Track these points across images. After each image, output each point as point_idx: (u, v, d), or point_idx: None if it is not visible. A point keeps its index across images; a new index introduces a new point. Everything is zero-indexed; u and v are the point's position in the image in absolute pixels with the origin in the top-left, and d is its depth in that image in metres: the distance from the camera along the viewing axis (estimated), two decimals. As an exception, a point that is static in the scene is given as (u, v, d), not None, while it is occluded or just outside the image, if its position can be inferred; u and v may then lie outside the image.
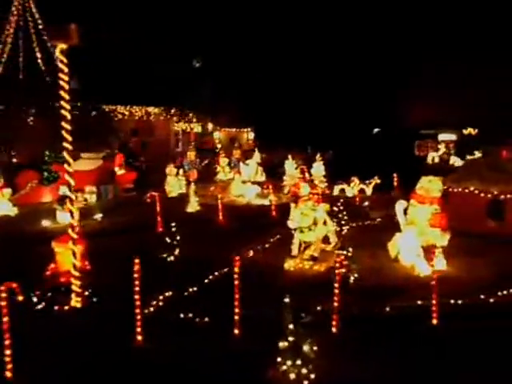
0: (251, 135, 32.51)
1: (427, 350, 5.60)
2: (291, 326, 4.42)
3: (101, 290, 7.20)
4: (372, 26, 32.09)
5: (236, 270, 5.72)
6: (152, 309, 6.52)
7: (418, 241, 8.47)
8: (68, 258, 7.18)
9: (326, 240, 9.22)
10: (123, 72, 23.79)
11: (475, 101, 29.76)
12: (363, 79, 31.82)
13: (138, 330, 5.60)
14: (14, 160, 15.84)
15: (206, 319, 6.15)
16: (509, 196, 10.64)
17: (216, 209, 12.98)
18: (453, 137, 30.82)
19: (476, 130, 31.98)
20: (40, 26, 23.87)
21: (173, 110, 27.18)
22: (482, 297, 6.69)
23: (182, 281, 7.58)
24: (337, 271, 5.78)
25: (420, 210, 8.85)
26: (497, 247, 9.56)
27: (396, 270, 8.42)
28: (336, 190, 17.23)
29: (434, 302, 5.87)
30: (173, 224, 9.49)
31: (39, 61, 23.70)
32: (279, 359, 4.48)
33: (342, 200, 11.82)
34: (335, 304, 5.62)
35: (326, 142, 25.59)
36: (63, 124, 6.50)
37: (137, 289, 5.67)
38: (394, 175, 16.51)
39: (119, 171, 17.28)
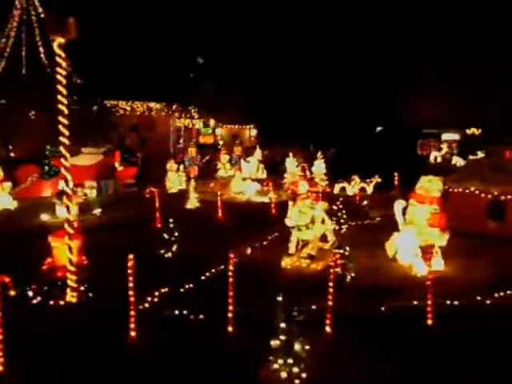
0: (253, 132, 32.45)
1: (422, 350, 5.57)
2: (283, 325, 4.39)
3: (97, 285, 7.19)
4: (375, 23, 31.94)
5: (230, 267, 5.70)
6: (147, 305, 6.52)
7: (416, 241, 8.44)
8: (65, 252, 7.18)
9: (324, 238, 9.20)
10: (125, 67, 23.78)
11: (478, 101, 29.64)
12: (367, 77, 31.68)
13: (132, 325, 5.59)
14: (12, 154, 15.84)
15: (201, 316, 6.14)
16: (509, 197, 10.58)
17: (215, 205, 12.97)
18: (456, 136, 30.64)
19: (479, 130, 31.82)
20: (43, 21, 23.84)
21: (174, 106, 27.15)
22: (479, 298, 6.65)
23: (178, 277, 7.57)
24: (331, 270, 5.74)
25: (419, 209, 8.80)
26: (496, 248, 9.51)
27: (393, 269, 8.39)
28: (336, 189, 17.17)
29: (429, 302, 5.83)
30: (171, 220, 9.47)
31: (42, 55, 23.68)
32: (271, 358, 4.45)
33: (341, 199, 11.80)
34: (329, 303, 5.58)
35: (328, 140, 25.49)
36: (60, 118, 6.49)
37: (131, 285, 5.67)
38: (395, 174, 16.43)
39: (120, 166, 17.28)
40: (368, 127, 32.33)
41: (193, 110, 28.69)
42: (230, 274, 5.75)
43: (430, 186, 8.89)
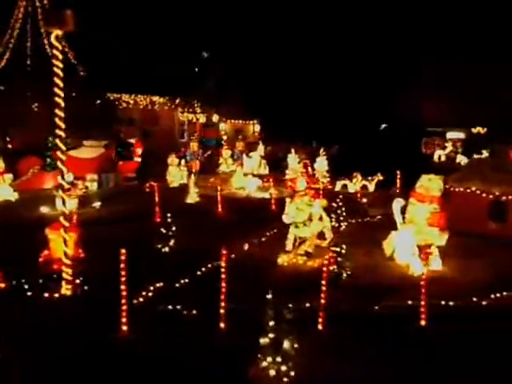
0: (257, 127, 32.36)
1: (415, 351, 5.53)
2: (272, 323, 4.36)
3: (93, 278, 7.20)
4: (377, 19, 31.70)
5: (222, 263, 5.67)
6: (141, 299, 6.52)
7: (414, 240, 8.37)
8: (61, 245, 7.19)
9: (321, 236, 9.15)
10: (129, 61, 23.72)
11: (478, 101, 29.41)
12: (370, 75, 31.48)
13: (124, 320, 5.59)
14: (9, 146, 15.88)
15: (194, 312, 6.13)
16: (511, 197, 10.47)
17: (215, 200, 12.95)
18: (461, 135, 30.37)
19: (485, 129, 31.54)
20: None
21: (177, 100, 27.10)
22: (475, 299, 6.59)
23: (174, 272, 7.57)
24: (324, 268, 5.71)
25: (419, 208, 8.72)
26: (496, 249, 9.42)
27: (391, 268, 8.33)
28: (338, 186, 17.09)
29: (422, 302, 5.78)
30: (169, 215, 9.46)
31: (46, 47, 23.69)
32: (260, 356, 4.43)
33: (341, 196, 11.72)
34: (322, 301, 5.55)
35: (331, 136, 25.36)
36: (57, 111, 6.46)
37: (123, 279, 5.66)
38: (397, 172, 16.32)
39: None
40: (371, 124, 32.13)
41: (196, 105, 28.62)
42: (223, 270, 5.72)
43: (430, 184, 8.80)
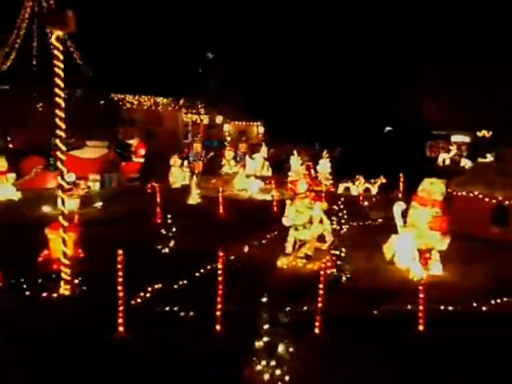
0: (261, 129, 32.35)
1: (412, 356, 5.48)
2: (267, 326, 4.33)
3: (92, 278, 7.20)
4: (378, 19, 31.65)
5: (219, 265, 5.65)
6: (139, 300, 6.51)
7: (415, 244, 8.31)
8: (61, 245, 7.21)
9: (322, 239, 9.11)
10: (133, 62, 23.78)
11: (478, 101, 29.25)
12: (372, 74, 31.40)
13: (120, 321, 5.58)
14: (10, 146, 15.94)
15: (191, 313, 6.11)
16: (514, 202, 10.38)
17: (217, 202, 12.94)
18: (466, 139, 30.23)
19: (490, 133, 31.35)
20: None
21: (181, 101, 27.14)
22: (474, 304, 6.52)
23: (173, 273, 7.56)
24: (322, 272, 5.67)
25: (421, 212, 8.66)
26: (498, 253, 9.34)
27: (391, 272, 8.28)
28: (341, 188, 17.03)
29: (420, 307, 5.72)
30: (169, 216, 9.46)
31: (52, 47, 23.79)
32: (254, 359, 4.41)
33: (342, 199, 11.67)
34: (319, 305, 5.51)
35: (334, 139, 25.31)
36: (57, 112, 6.48)
37: (120, 280, 5.65)
38: (401, 175, 16.23)
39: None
40: (375, 127, 32.05)
41: (199, 106, 28.65)
42: (220, 272, 5.70)
43: (432, 188, 8.73)
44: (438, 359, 5.49)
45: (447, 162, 26.20)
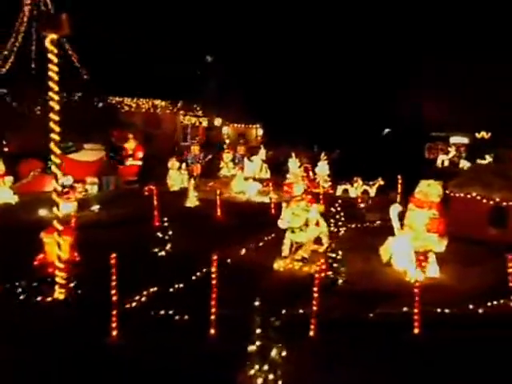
0: (260, 131, 32.36)
1: (408, 359, 5.45)
2: (260, 330, 4.31)
3: (88, 281, 7.18)
4: (378, 21, 31.68)
5: (213, 269, 5.63)
6: (134, 304, 6.48)
7: (412, 246, 8.29)
8: (56, 248, 7.19)
9: (318, 241, 9.08)
10: (130, 64, 23.78)
11: (479, 101, 29.25)
12: (372, 75, 31.41)
13: (113, 325, 5.55)
14: (6, 149, 15.90)
15: (186, 317, 6.08)
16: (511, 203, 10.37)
17: (215, 204, 12.92)
18: (464, 140, 30.22)
19: (489, 134, 31.35)
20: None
21: (179, 104, 27.14)
22: (471, 307, 6.49)
23: (169, 276, 7.53)
24: (316, 275, 5.64)
25: (418, 214, 8.64)
26: (497, 255, 9.30)
27: (387, 274, 8.25)
28: (339, 191, 17.02)
29: (415, 310, 5.69)
30: (165, 219, 9.44)
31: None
32: (248, 363, 4.38)
33: (340, 201, 11.67)
34: (314, 308, 5.48)
35: (333, 141, 25.30)
36: (51, 115, 6.47)
37: (113, 284, 5.62)
38: (399, 177, 16.19)
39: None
40: (374, 129, 32.03)
41: (198, 108, 28.66)
42: (213, 275, 5.67)
43: (429, 190, 8.72)
44: (434, 362, 5.46)
45: (446, 163, 26.18)
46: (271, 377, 4.27)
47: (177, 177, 16.84)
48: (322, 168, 17.96)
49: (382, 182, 16.77)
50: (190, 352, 5.36)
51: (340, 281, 7.46)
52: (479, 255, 9.24)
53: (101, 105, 20.35)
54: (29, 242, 8.93)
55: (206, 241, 9.91)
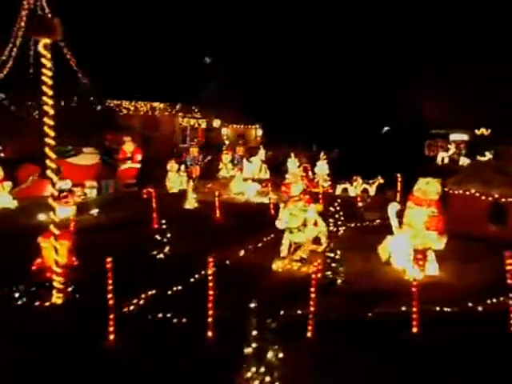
0: (259, 132, 32.32)
1: (408, 358, 5.42)
2: (258, 332, 4.29)
3: (86, 285, 7.16)
4: (377, 21, 31.66)
5: (209, 271, 5.61)
6: (131, 307, 6.47)
7: (411, 245, 8.26)
8: (53, 253, 7.17)
9: (317, 241, 9.05)
10: (129, 65, 23.75)
11: (478, 101, 29.22)
12: (372, 75, 31.38)
13: (111, 329, 5.54)
14: (2, 154, 15.89)
15: (184, 320, 6.07)
16: (511, 200, 10.32)
17: (214, 206, 12.90)
18: (464, 137, 30.16)
19: (489, 131, 31.28)
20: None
21: (178, 106, 27.13)
22: (470, 304, 6.46)
23: (167, 279, 7.52)
24: (313, 275, 5.62)
25: (417, 212, 8.61)
26: (496, 252, 9.25)
27: (387, 273, 8.22)
28: (338, 190, 16.99)
29: (414, 309, 5.66)
30: (163, 221, 9.43)
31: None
32: (245, 365, 4.36)
33: (339, 200, 11.63)
34: (311, 308, 5.46)
35: (332, 140, 25.25)
36: (46, 120, 6.46)
37: (110, 288, 5.61)
38: (398, 175, 16.15)
39: (121, 166, 17.30)
40: (373, 127, 31.99)
41: (196, 110, 28.64)
42: (210, 278, 5.65)
43: (427, 188, 8.69)
44: (433, 361, 5.43)
45: (446, 160, 26.11)
46: (268, 379, 4.24)
47: (176, 179, 16.82)
48: (322, 167, 17.92)
49: (381, 181, 16.73)
50: (187, 355, 5.34)
51: (339, 281, 7.44)
52: (479, 252, 9.20)
53: (99, 108, 20.34)
54: (28, 247, 8.92)
55: (204, 242, 9.88)
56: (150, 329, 5.99)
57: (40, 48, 6.33)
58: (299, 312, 5.92)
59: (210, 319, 5.62)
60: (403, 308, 6.14)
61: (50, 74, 6.41)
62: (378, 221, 11.90)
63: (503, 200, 10.44)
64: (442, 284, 7.69)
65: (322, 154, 18.30)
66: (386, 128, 33.70)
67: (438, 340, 5.72)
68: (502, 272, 8.08)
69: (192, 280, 7.37)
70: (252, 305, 4.23)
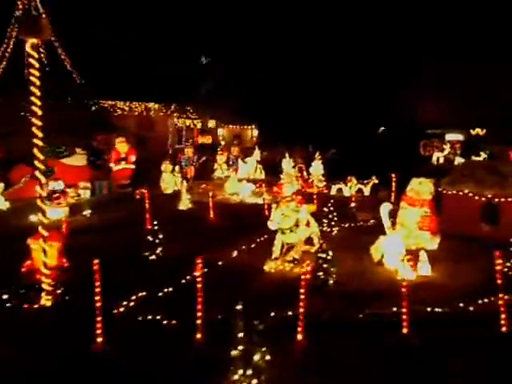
0: (255, 132, 32.29)
1: (398, 359, 5.39)
2: (245, 334, 4.25)
3: (76, 287, 7.10)
4: (375, 22, 31.66)
5: (197, 273, 5.56)
6: (121, 309, 6.41)
7: (403, 245, 8.23)
8: (42, 255, 7.11)
9: (310, 242, 9.02)
10: (125, 67, 23.68)
11: (478, 101, 29.28)
12: (371, 75, 31.37)
13: (98, 331, 5.48)
14: None
15: (174, 321, 6.02)
16: (503, 200, 10.32)
17: (208, 206, 12.85)
18: (460, 137, 30.20)
19: (484, 131, 31.36)
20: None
21: (173, 106, 27.07)
22: (461, 305, 6.44)
23: (158, 280, 7.46)
24: (303, 276, 5.58)
25: (410, 212, 8.59)
26: (489, 252, 9.23)
27: (379, 274, 8.19)
28: (333, 190, 16.96)
29: (404, 310, 5.63)
30: (155, 222, 9.38)
31: (42, 55, 23.71)
32: (232, 368, 4.32)
33: (332, 200, 11.61)
34: (301, 310, 5.42)
35: (328, 140, 25.23)
36: (34, 120, 6.40)
37: (97, 290, 5.55)
38: (392, 175, 16.13)
39: (115, 167, 17.22)
40: (369, 127, 31.99)
41: (191, 110, 28.59)
42: (198, 279, 5.61)
43: (420, 188, 8.67)
44: (424, 361, 5.40)
45: (441, 160, 26.14)
46: (255, 382, 4.20)
47: (170, 179, 16.76)
48: (317, 168, 17.90)
49: (376, 181, 16.72)
50: (176, 357, 5.30)
51: (330, 281, 7.40)
52: (472, 252, 9.19)
53: (93, 109, 20.26)
54: (19, 249, 8.87)
55: (198, 243, 9.83)
56: (139, 331, 5.94)
57: (27, 48, 6.28)
58: (289, 313, 5.87)
59: (198, 321, 5.57)
60: (394, 309, 6.10)
61: (37, 74, 6.35)
62: (371, 221, 11.88)
63: (496, 200, 10.44)
64: (435, 284, 7.67)
65: (317, 154, 18.27)
66: (381, 128, 33.72)
67: (429, 340, 5.69)
68: (495, 272, 8.11)
69: (183, 281, 7.29)
70: (238, 306, 4.18)
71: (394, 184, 15.93)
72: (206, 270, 7.09)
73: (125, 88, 23.51)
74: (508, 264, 8.00)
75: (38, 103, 6.39)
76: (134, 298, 6.75)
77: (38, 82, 6.37)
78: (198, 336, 5.54)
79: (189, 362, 5.18)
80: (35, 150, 6.52)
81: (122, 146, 17.53)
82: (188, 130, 29.51)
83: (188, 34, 28.70)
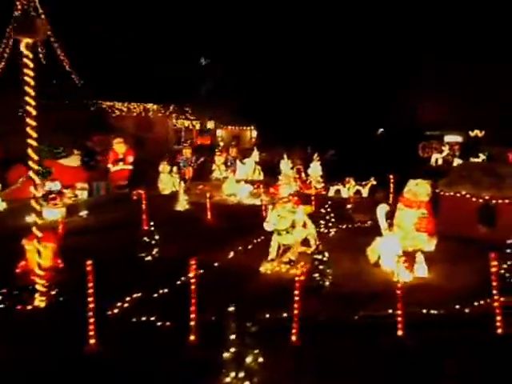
0: (254, 133, 32.26)
1: (394, 361, 5.37)
2: (239, 336, 4.22)
3: (71, 288, 7.06)
4: (374, 23, 31.65)
5: (191, 274, 5.53)
6: (116, 311, 6.38)
7: (400, 246, 8.21)
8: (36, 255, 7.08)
9: (307, 243, 8.99)
10: (125, 67, 23.66)
11: (478, 101, 29.27)
12: (371, 75, 31.33)
13: (91, 333, 5.45)
14: None
15: (168, 323, 5.99)
16: (500, 201, 10.31)
17: (205, 207, 12.82)
18: (458, 138, 30.23)
19: (483, 132, 31.35)
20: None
21: (171, 107, 27.05)
22: (457, 307, 6.42)
23: (154, 282, 7.43)
24: (297, 278, 5.55)
25: (407, 213, 8.58)
26: (485, 254, 9.21)
27: (375, 275, 8.17)
28: (331, 191, 16.93)
29: (399, 312, 5.61)
30: (152, 223, 9.36)
31: (40, 55, 23.68)
32: (225, 370, 4.29)
33: (330, 202, 11.58)
34: (295, 311, 5.39)
35: (327, 141, 25.20)
36: (28, 120, 6.37)
37: (90, 291, 5.52)
38: (390, 176, 16.11)
39: (113, 168, 17.19)
40: (369, 128, 31.97)
41: (190, 111, 28.57)
42: (192, 281, 5.58)
43: (417, 189, 8.66)
44: (420, 363, 5.38)
45: (440, 162, 26.15)
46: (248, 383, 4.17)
47: (168, 180, 16.73)
48: (315, 169, 17.87)
49: (374, 182, 16.69)
50: (169, 359, 5.26)
51: (326, 283, 7.37)
52: (468, 254, 9.15)
53: (92, 109, 20.23)
54: (15, 249, 8.84)
55: (194, 244, 9.79)
56: (133, 332, 5.90)
57: (22, 48, 6.25)
58: (284, 315, 5.84)
59: (192, 323, 5.53)
60: (390, 310, 6.08)
61: (32, 74, 6.33)
62: (368, 222, 11.85)
63: (493, 202, 10.43)
64: (431, 286, 7.65)
65: (315, 155, 18.26)
66: (381, 130, 33.72)
67: (425, 342, 5.66)
68: (490, 274, 8.08)
69: (178, 282, 7.26)
70: (231, 308, 4.15)
71: (392, 185, 15.95)
72: (201, 271, 7.14)
73: (124, 88, 23.46)
74: (504, 266, 7.96)
75: (33, 103, 6.37)
76: (128, 299, 6.71)
77: (32, 82, 6.34)
78: (192, 338, 5.51)
79: (182, 364, 5.14)
80: (29, 151, 6.49)
81: (119, 146, 17.50)
82: (187, 131, 29.49)
83: (188, 34, 28.68)
